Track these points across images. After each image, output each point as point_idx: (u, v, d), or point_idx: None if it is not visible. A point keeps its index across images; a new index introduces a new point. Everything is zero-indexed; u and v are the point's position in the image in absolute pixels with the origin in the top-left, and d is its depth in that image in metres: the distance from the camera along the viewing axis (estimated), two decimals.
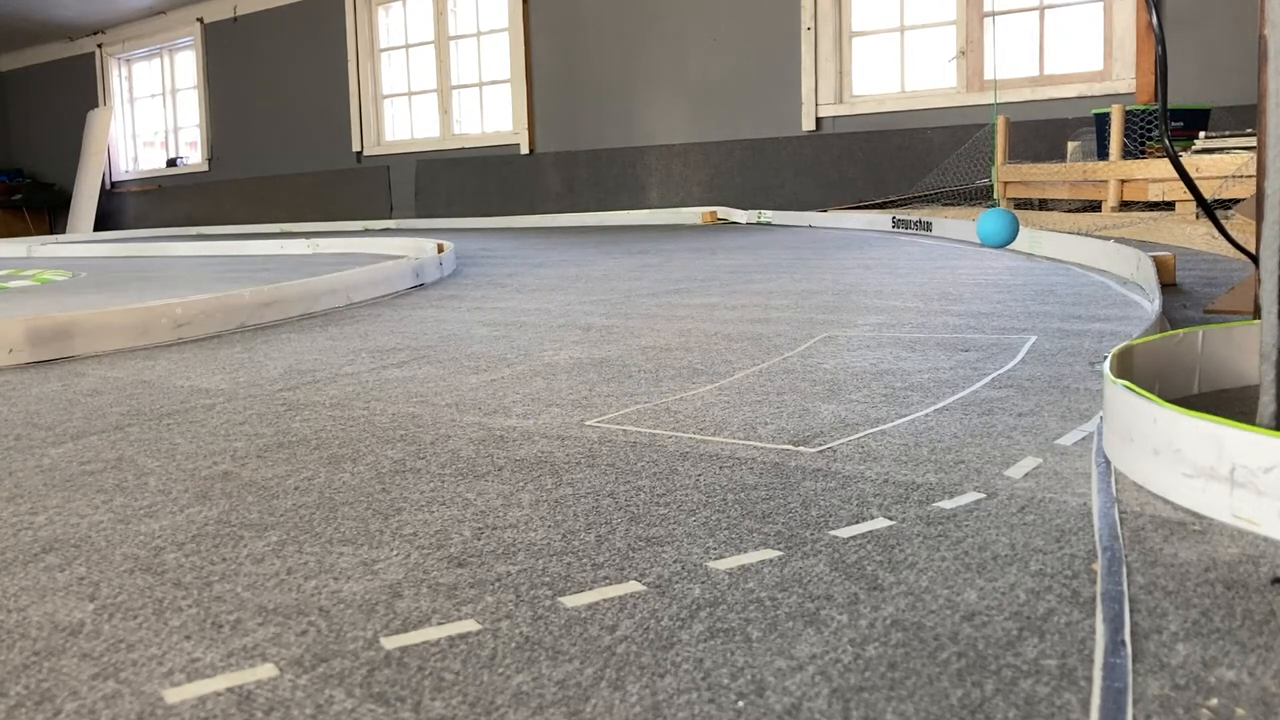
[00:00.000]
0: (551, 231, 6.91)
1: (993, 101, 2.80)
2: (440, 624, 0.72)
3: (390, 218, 9.16)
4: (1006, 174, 4.97)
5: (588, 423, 1.31)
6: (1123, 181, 4.20)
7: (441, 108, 9.01)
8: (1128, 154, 4.37)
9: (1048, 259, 3.21)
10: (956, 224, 4.28)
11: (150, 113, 11.73)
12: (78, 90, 11.84)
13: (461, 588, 0.78)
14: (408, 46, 9.21)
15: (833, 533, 0.87)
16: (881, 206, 6.07)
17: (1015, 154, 5.33)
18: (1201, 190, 1.90)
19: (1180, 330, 1.24)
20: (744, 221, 6.58)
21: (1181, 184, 2.05)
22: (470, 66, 8.84)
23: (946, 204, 5.76)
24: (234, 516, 0.98)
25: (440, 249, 4.10)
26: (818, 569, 0.79)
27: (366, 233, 7.80)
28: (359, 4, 9.24)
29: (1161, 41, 1.60)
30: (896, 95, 6.53)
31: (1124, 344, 1.17)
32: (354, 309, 2.76)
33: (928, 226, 4.65)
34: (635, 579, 0.79)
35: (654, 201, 7.61)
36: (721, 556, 0.82)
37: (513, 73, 8.30)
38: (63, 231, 11.48)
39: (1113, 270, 2.72)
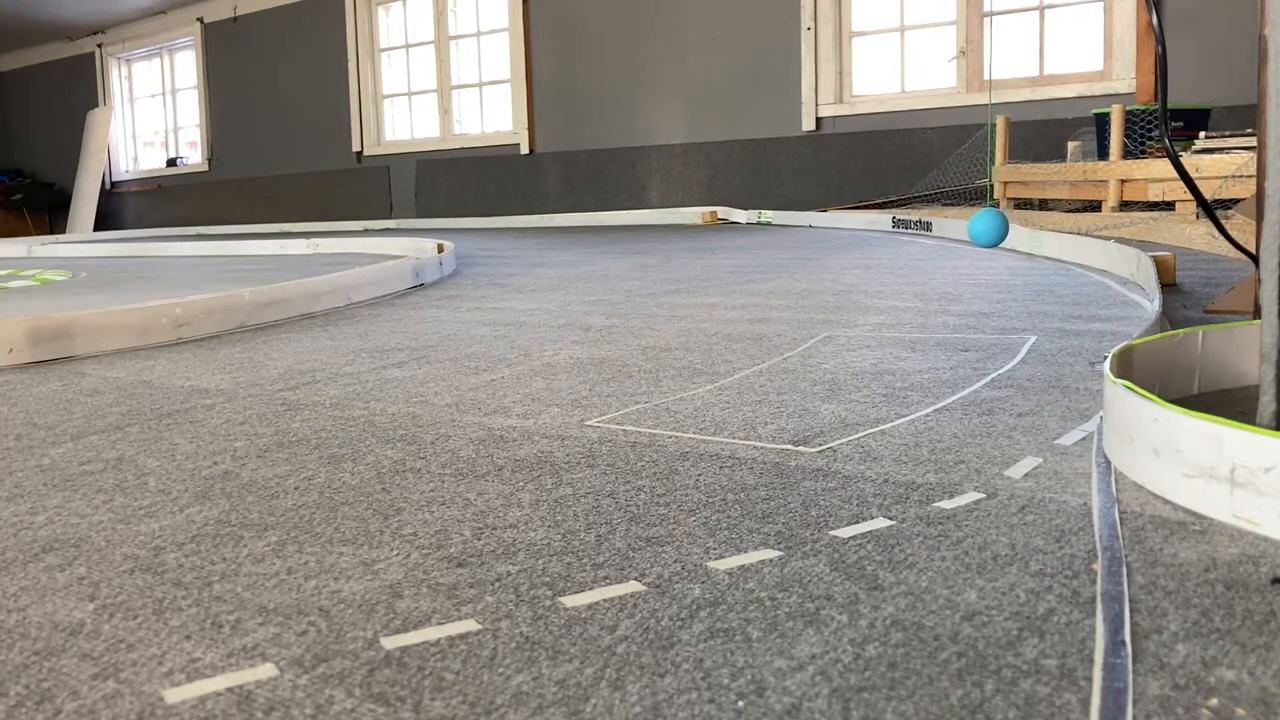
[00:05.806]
0: (551, 231, 6.90)
1: (989, 102, 2.80)
2: (440, 624, 0.72)
3: (390, 218, 9.16)
4: (1006, 174, 4.97)
5: (588, 423, 1.31)
6: (1123, 181, 4.20)
7: (441, 108, 9.01)
8: (1128, 154, 4.37)
9: (1048, 259, 3.21)
10: (957, 224, 4.28)
11: (150, 113, 11.73)
12: (78, 90, 11.84)
13: (461, 588, 0.78)
14: (408, 46, 9.21)
15: (833, 533, 0.87)
16: (881, 206, 6.07)
17: (1015, 154, 5.33)
18: (1201, 190, 1.90)
19: (1180, 330, 1.24)
20: (744, 221, 6.58)
21: (1181, 184, 2.05)
22: (470, 66, 8.84)
23: (947, 204, 5.76)
24: (234, 516, 0.98)
25: (440, 249, 4.10)
26: (818, 569, 0.79)
27: (366, 233, 7.80)
28: (359, 4, 9.24)
29: (1161, 41, 1.61)
30: (896, 95, 6.53)
31: (1124, 344, 1.17)
32: (354, 309, 2.76)
33: (928, 226, 4.65)
34: (635, 579, 0.79)
35: (654, 201, 7.61)
36: (721, 556, 0.82)
37: (513, 73, 8.30)
38: (63, 231, 11.48)
39: (1113, 270, 2.72)
